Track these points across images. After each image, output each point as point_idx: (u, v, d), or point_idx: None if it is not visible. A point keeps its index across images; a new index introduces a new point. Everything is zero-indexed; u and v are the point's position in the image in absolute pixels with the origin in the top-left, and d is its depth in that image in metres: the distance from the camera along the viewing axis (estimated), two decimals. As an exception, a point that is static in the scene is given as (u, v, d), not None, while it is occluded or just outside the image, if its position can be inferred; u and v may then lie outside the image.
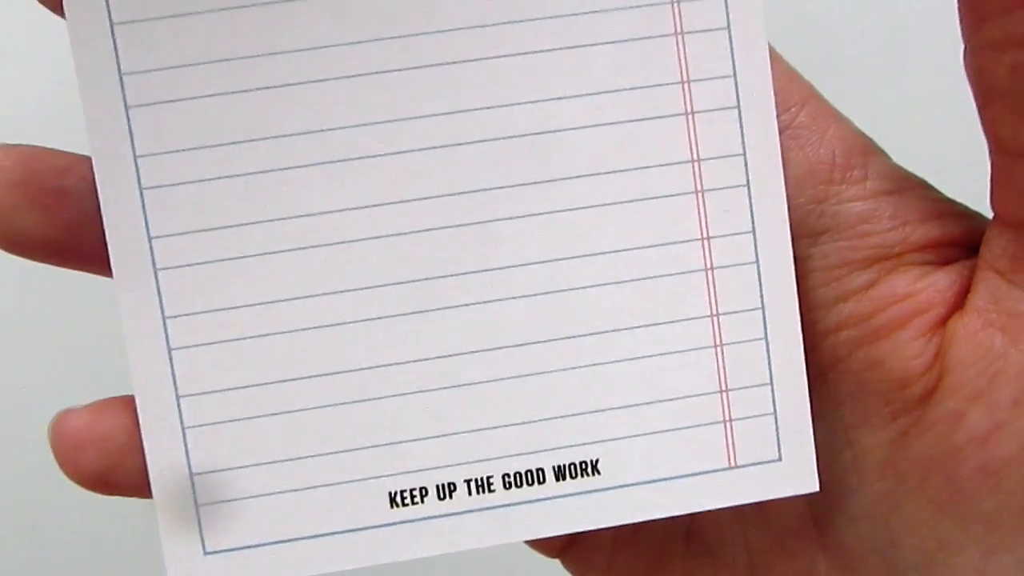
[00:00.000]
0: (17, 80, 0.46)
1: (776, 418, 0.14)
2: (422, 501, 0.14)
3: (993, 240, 0.13)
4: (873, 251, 0.13)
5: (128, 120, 0.15)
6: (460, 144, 0.13)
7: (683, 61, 0.13)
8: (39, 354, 0.45)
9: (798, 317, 0.14)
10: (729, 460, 0.14)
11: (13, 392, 0.45)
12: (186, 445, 0.14)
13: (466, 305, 0.13)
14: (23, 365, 0.45)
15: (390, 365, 0.14)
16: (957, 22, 0.15)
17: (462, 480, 0.14)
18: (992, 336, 0.12)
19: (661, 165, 0.13)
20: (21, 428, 0.44)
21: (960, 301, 0.13)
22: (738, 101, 0.14)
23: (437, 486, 0.14)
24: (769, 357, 0.14)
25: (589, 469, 0.14)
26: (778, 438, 0.14)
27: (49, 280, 0.44)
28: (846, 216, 0.13)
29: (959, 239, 0.14)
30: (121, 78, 0.14)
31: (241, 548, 0.14)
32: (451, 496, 0.14)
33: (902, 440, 0.13)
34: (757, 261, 0.14)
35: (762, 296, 0.13)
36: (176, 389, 0.15)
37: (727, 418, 0.14)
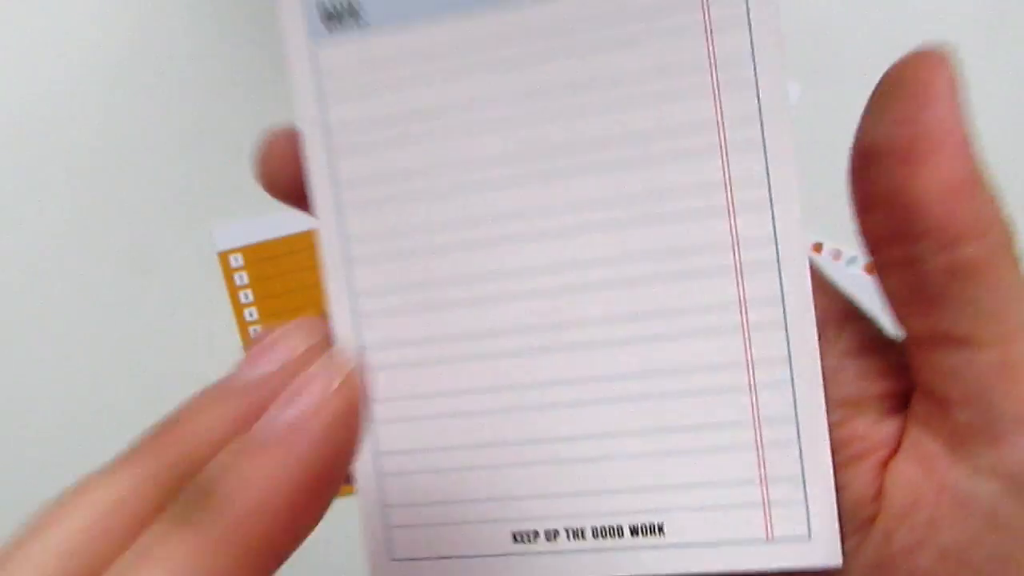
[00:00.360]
0: (17, 78, 0.46)
1: (807, 505, 0.17)
2: (534, 541, 0.19)
3: (915, 397, 0.16)
4: (840, 398, 0.16)
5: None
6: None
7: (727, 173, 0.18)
8: (40, 353, 0.47)
9: (826, 424, 0.16)
10: (767, 535, 0.18)
11: (13, 392, 0.47)
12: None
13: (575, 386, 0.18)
14: (23, 365, 0.46)
15: (521, 444, 0.18)
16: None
17: (563, 528, 0.19)
18: (914, 472, 0.15)
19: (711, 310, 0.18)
20: (21, 428, 0.46)
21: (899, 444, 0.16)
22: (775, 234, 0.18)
23: (544, 531, 0.19)
24: (801, 457, 0.17)
25: (656, 530, 0.18)
26: (808, 521, 0.17)
27: (50, 280, 0.46)
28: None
29: (909, 390, 0.16)
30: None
31: (416, 559, 0.19)
32: (555, 539, 0.19)
33: (854, 552, 0.15)
34: (792, 381, 0.17)
35: (795, 407, 0.17)
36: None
37: (766, 501, 0.18)
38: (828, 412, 0.16)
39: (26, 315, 0.46)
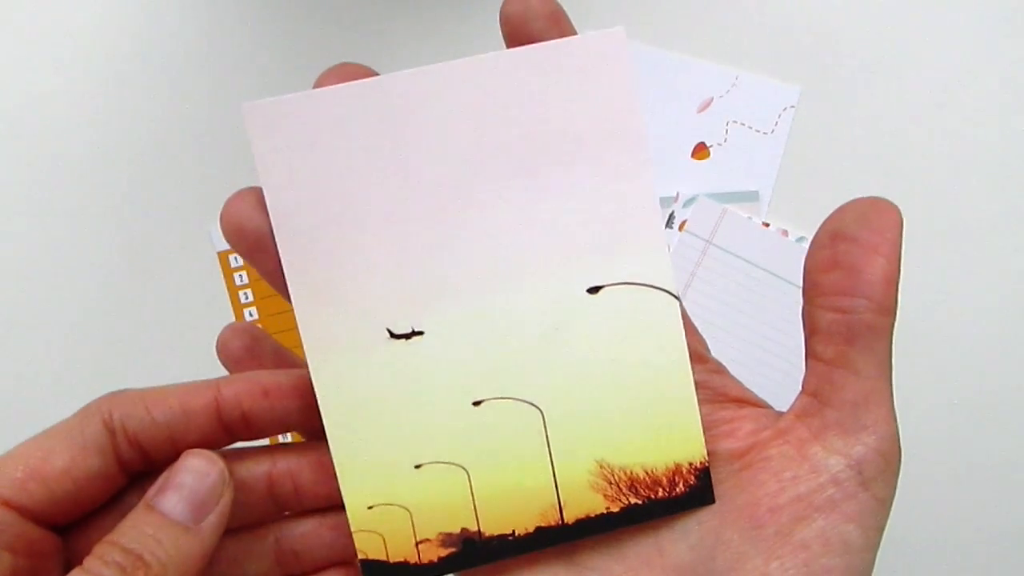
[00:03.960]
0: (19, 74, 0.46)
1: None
2: None
3: (799, 399, 0.23)
4: (731, 397, 0.24)
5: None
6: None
7: None
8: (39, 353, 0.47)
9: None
10: None
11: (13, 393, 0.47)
12: None
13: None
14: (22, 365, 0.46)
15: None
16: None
17: None
18: (788, 448, 0.22)
19: None
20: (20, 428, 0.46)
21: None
22: None
23: None
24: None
25: None
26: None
27: (48, 282, 0.46)
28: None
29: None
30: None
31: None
32: None
33: (731, 493, 0.22)
34: None
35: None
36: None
37: None
38: (720, 404, 0.23)
39: (26, 315, 0.46)
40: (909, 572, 0.46)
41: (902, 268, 0.21)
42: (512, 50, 0.21)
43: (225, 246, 0.46)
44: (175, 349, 0.46)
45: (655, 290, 0.22)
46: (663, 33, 0.46)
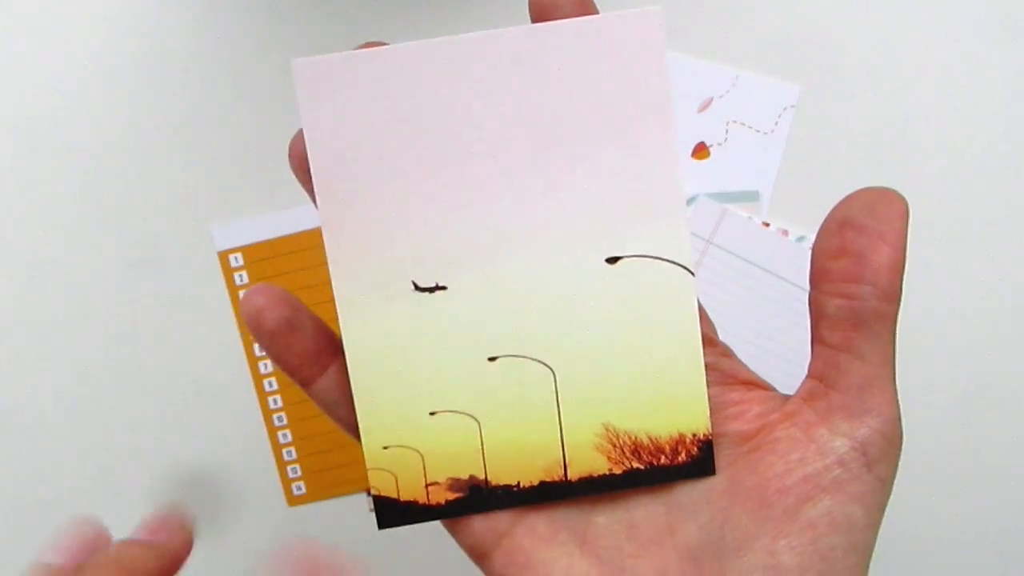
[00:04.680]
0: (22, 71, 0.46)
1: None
2: None
3: (804, 383, 0.23)
4: (740, 379, 0.24)
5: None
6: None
7: None
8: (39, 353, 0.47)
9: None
10: None
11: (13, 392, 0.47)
12: None
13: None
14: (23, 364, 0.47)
15: None
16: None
17: None
18: (795, 430, 0.23)
19: None
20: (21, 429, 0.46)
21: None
22: None
23: None
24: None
25: None
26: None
27: (48, 281, 0.46)
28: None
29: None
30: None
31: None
32: None
33: (741, 473, 0.23)
34: None
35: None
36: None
37: None
38: (729, 386, 0.24)
39: (25, 315, 0.46)
40: (910, 572, 0.46)
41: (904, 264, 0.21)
42: (552, 23, 0.22)
43: (225, 246, 0.46)
44: (175, 349, 0.46)
45: (673, 265, 0.23)
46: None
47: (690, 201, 0.46)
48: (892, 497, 0.22)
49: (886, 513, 0.22)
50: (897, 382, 0.22)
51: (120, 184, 0.46)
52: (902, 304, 0.22)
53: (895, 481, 0.22)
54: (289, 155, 0.23)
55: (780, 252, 0.45)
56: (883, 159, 0.45)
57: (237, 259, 0.46)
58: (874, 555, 0.22)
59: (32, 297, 0.46)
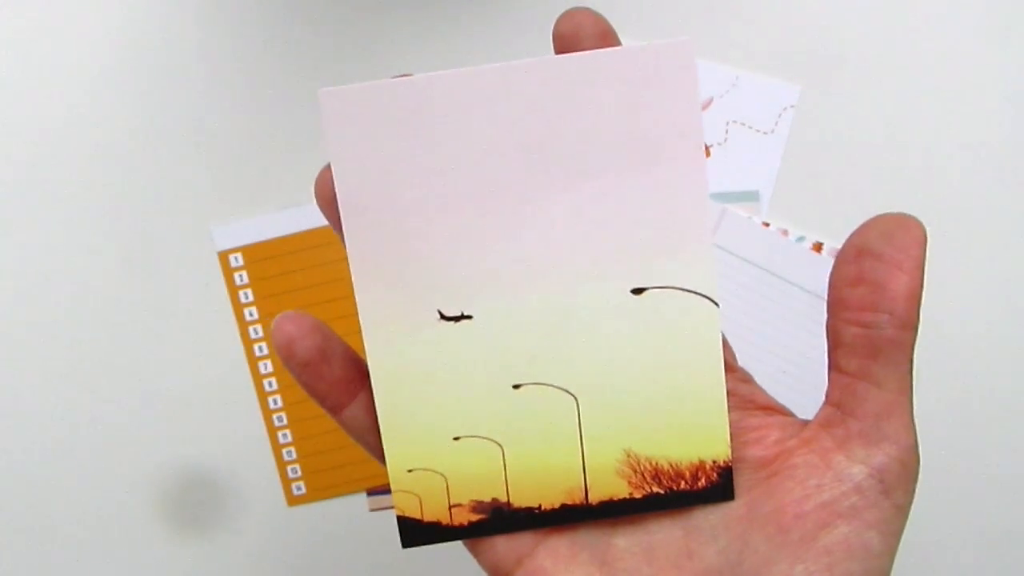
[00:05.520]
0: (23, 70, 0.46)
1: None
2: None
3: (822, 410, 0.24)
4: (759, 404, 0.25)
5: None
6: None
7: None
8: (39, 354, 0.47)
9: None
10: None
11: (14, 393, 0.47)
12: None
13: None
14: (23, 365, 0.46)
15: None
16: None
17: None
18: (813, 456, 0.23)
19: None
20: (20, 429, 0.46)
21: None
22: None
23: None
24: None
25: None
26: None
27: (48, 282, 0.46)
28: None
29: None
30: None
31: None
32: None
33: (759, 499, 0.23)
34: None
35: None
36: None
37: None
38: (749, 412, 0.24)
39: (25, 315, 0.46)
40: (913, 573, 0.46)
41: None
42: (581, 53, 0.22)
43: (225, 246, 0.46)
44: (175, 349, 0.46)
45: (698, 296, 0.23)
46: (663, 33, 0.46)
47: (690, 201, 0.46)
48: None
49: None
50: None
51: (120, 184, 0.46)
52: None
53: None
54: (316, 190, 0.23)
55: (780, 252, 0.45)
56: (883, 159, 0.45)
57: (237, 259, 0.46)
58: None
59: (32, 296, 0.45)
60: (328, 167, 0.22)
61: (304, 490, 0.47)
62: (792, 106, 0.46)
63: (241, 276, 0.46)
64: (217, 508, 0.47)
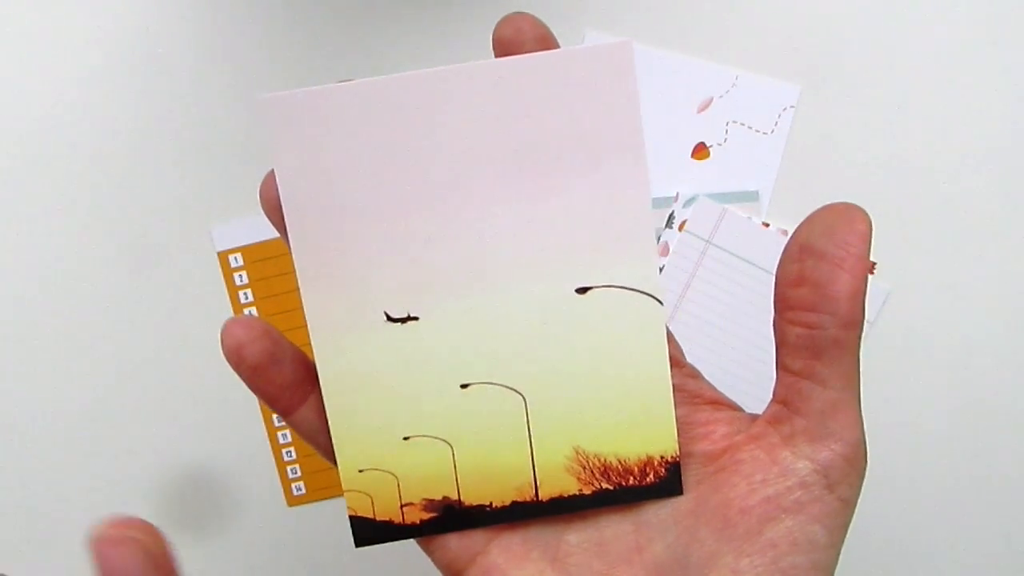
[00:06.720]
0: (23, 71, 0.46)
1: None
2: None
3: (770, 407, 0.24)
4: (706, 398, 0.25)
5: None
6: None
7: None
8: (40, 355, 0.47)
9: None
10: None
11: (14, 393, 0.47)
12: None
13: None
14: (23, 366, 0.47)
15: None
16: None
17: None
18: (760, 452, 0.23)
19: None
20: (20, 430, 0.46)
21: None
22: None
23: None
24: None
25: None
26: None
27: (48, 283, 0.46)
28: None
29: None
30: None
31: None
32: None
33: (706, 494, 0.23)
34: None
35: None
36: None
37: None
38: (696, 407, 0.25)
39: (25, 315, 0.46)
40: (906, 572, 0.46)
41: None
42: (524, 55, 0.22)
43: (225, 246, 0.46)
44: (175, 349, 0.46)
45: (642, 295, 0.23)
46: (663, 33, 0.46)
47: (690, 201, 0.46)
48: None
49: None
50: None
51: (120, 184, 0.46)
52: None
53: (863, 500, 0.23)
54: (260, 196, 0.23)
55: (780, 252, 0.45)
56: (883, 159, 0.45)
57: (237, 259, 0.46)
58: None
59: (32, 297, 0.46)
60: (272, 173, 0.22)
61: (304, 490, 0.47)
62: (792, 106, 0.45)
63: (241, 276, 0.46)
64: (217, 508, 0.47)
